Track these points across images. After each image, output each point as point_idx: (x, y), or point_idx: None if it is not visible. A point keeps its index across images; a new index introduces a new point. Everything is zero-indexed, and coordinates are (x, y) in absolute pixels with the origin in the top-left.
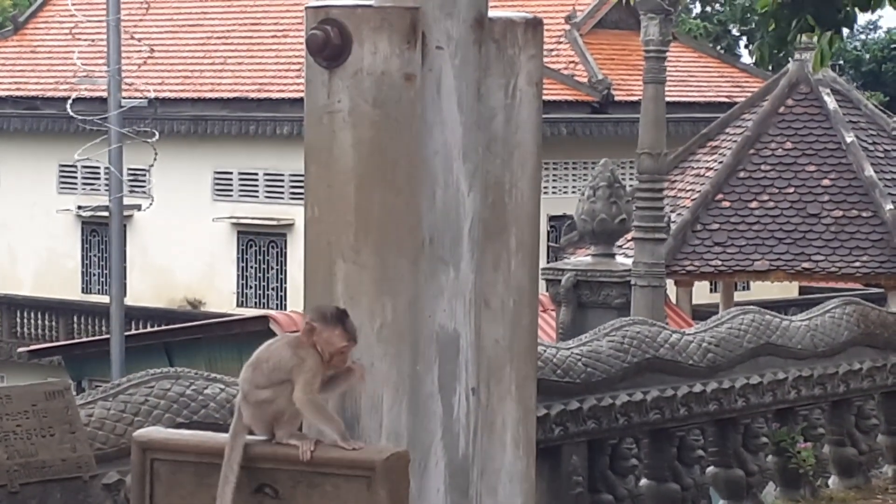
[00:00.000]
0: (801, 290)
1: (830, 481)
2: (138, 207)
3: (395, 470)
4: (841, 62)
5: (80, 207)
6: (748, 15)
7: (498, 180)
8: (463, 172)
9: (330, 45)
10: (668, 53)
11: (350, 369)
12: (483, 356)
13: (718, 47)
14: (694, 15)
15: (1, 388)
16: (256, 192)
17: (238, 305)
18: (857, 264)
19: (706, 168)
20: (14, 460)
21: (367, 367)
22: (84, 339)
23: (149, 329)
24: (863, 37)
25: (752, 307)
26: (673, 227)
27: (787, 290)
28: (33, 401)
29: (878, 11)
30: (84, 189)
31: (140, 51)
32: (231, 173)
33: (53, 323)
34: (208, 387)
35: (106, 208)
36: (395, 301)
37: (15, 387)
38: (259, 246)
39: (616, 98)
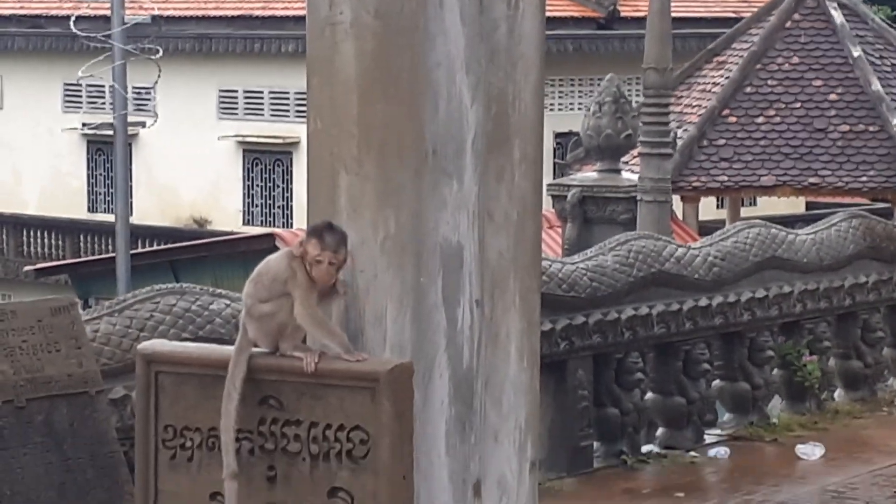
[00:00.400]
0: (808, 206)
1: (836, 394)
2: (143, 125)
3: (400, 381)
4: None
5: (84, 125)
6: None
7: (501, 92)
8: (466, 84)
9: None
10: None
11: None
12: (487, 268)
13: None
14: None
15: (6, 303)
16: (262, 110)
17: (244, 224)
18: (864, 179)
19: (712, 83)
20: (20, 375)
21: (371, 279)
22: (90, 258)
23: (155, 247)
24: None
25: (757, 221)
26: (679, 142)
27: (794, 205)
28: (39, 316)
29: None
30: (88, 107)
31: None
32: (236, 91)
33: (60, 242)
34: (213, 302)
35: (110, 126)
36: (399, 213)
37: (20, 302)
38: (265, 164)
39: (622, 14)
